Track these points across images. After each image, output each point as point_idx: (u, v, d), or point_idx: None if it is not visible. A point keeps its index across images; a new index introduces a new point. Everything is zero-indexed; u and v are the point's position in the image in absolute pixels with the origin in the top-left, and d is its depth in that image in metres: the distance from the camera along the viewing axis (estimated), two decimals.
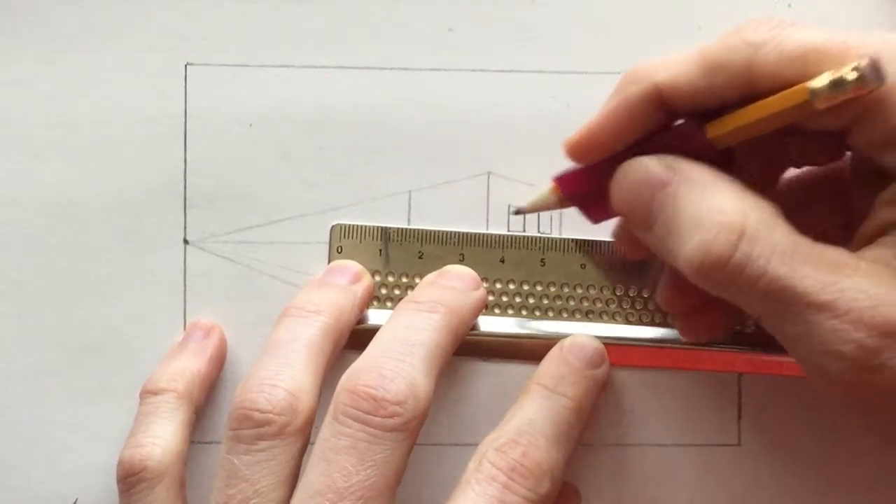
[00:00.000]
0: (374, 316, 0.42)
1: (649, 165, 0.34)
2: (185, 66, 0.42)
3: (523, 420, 0.37)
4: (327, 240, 0.42)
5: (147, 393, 0.39)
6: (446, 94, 0.42)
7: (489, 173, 0.42)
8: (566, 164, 0.40)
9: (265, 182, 0.42)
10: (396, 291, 0.42)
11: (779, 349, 0.40)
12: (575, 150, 0.36)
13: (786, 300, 0.31)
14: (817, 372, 0.32)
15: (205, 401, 0.41)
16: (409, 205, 0.42)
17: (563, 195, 0.38)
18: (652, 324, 0.41)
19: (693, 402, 0.42)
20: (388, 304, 0.42)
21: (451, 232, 0.42)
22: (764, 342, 0.41)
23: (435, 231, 0.42)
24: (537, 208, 0.40)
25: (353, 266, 0.41)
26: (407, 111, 0.42)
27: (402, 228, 0.42)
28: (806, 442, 0.42)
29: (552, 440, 0.37)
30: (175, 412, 0.39)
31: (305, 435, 0.36)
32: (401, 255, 0.42)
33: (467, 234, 0.42)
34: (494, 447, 0.36)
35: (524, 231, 0.42)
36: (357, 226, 0.42)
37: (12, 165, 0.42)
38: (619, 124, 0.35)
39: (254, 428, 0.36)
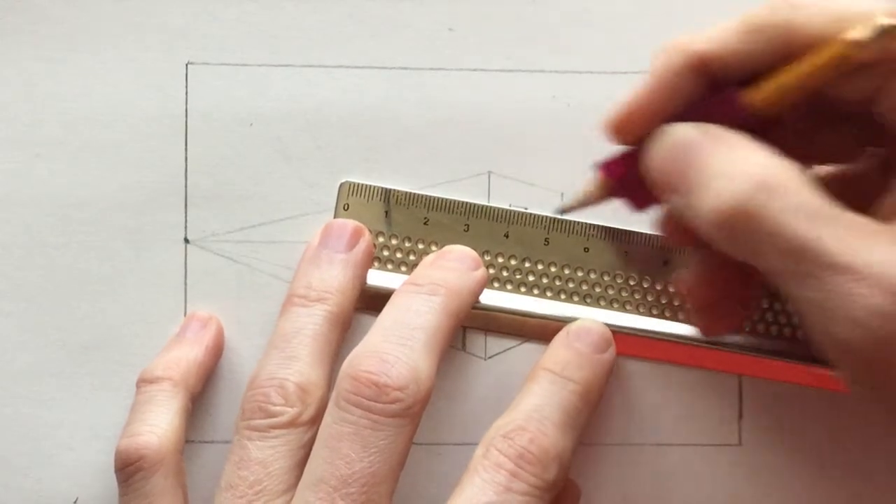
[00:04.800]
0: (375, 277, 0.41)
1: (685, 129, 0.34)
2: (186, 65, 0.42)
3: (530, 406, 0.37)
4: (367, 188, 0.42)
5: (143, 382, 0.39)
6: (446, 93, 0.42)
7: (489, 173, 0.42)
8: (566, 164, 0.40)
9: (265, 181, 0.42)
10: (399, 255, 0.42)
11: (780, 354, 0.40)
12: (616, 127, 0.36)
13: (806, 259, 0.31)
14: (831, 342, 0.31)
15: (201, 389, 0.41)
16: None
17: (608, 180, 0.37)
18: (651, 314, 0.42)
19: (694, 401, 0.42)
20: (389, 266, 0.42)
21: (457, 201, 0.42)
22: (766, 346, 0.41)
23: (442, 198, 0.42)
24: (581, 204, 0.39)
25: (349, 227, 0.41)
26: (407, 111, 0.42)
27: (408, 192, 0.42)
28: (806, 442, 0.42)
29: (560, 426, 0.37)
30: (171, 400, 0.39)
31: (317, 424, 0.37)
32: (406, 219, 0.42)
33: (474, 204, 0.42)
34: (501, 434, 0.36)
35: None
36: (365, 185, 0.42)
37: (12, 165, 0.42)
38: (658, 96, 0.35)
39: (267, 418, 0.37)
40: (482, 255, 0.41)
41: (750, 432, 0.42)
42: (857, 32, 0.31)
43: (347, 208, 0.42)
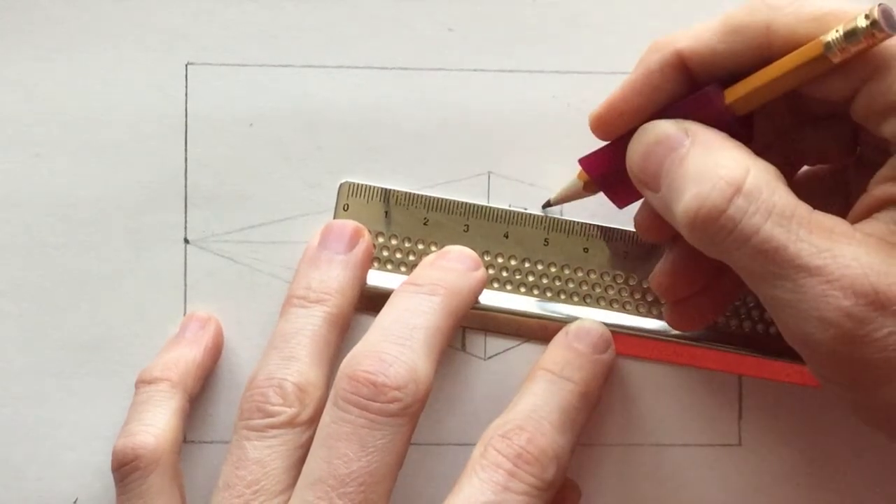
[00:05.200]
0: (375, 277, 0.41)
1: (665, 127, 0.34)
2: (186, 65, 0.42)
3: (528, 406, 0.37)
4: (367, 188, 0.42)
5: (141, 383, 0.40)
6: (446, 94, 0.42)
7: (489, 173, 0.42)
8: (566, 164, 0.40)
9: (265, 182, 0.42)
10: (398, 255, 0.42)
11: (780, 354, 0.40)
12: (599, 123, 0.36)
13: (777, 261, 0.31)
14: (803, 341, 0.32)
15: (200, 389, 0.41)
16: None
17: (590, 176, 0.38)
18: (651, 315, 0.41)
19: (694, 402, 0.42)
20: (389, 266, 0.42)
21: (457, 201, 0.42)
22: (765, 346, 0.41)
23: (442, 199, 0.42)
24: (565, 199, 0.40)
25: (348, 227, 0.41)
26: (407, 111, 0.42)
27: (408, 193, 0.42)
28: (806, 442, 0.42)
29: (558, 426, 0.37)
30: (168, 400, 0.39)
31: (315, 425, 0.37)
32: (406, 220, 0.42)
33: (474, 205, 0.42)
34: (500, 434, 0.36)
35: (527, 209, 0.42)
36: (365, 185, 0.42)
37: (12, 165, 0.42)
38: (641, 93, 0.35)
39: (265, 418, 0.37)
40: (482, 255, 0.41)
41: (750, 432, 0.42)
42: (832, 35, 0.31)
43: (347, 209, 0.42)
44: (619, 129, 0.36)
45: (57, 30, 0.42)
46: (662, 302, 0.41)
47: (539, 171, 0.42)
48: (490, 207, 0.42)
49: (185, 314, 0.42)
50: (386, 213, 0.42)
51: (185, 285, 0.42)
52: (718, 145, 0.33)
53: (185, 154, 0.42)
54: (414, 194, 0.42)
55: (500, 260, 0.42)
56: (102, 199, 0.42)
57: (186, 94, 0.42)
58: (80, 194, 0.42)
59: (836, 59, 0.32)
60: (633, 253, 0.41)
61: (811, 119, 0.37)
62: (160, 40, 0.42)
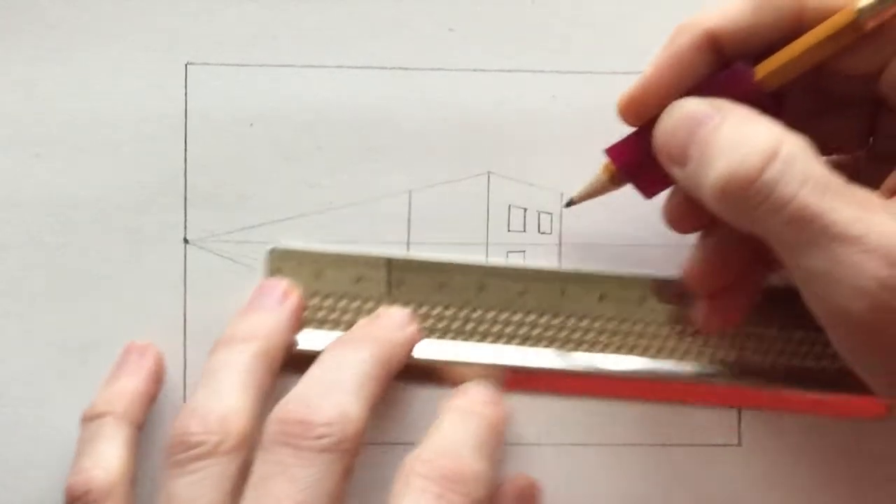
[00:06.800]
0: (308, 338, 0.41)
1: (694, 103, 0.34)
2: (186, 65, 0.42)
3: (443, 435, 0.37)
4: (297, 252, 0.42)
5: (86, 420, 0.39)
6: (446, 94, 0.42)
7: (489, 173, 0.42)
8: (566, 164, 0.40)
9: (265, 182, 0.42)
10: (333, 315, 0.41)
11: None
12: (628, 107, 0.36)
13: (813, 229, 0.31)
14: (835, 313, 0.32)
15: (145, 418, 0.40)
16: (410, 205, 0.42)
17: (616, 166, 0.37)
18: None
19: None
20: (325, 326, 0.41)
21: (378, 257, 0.42)
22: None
23: (362, 255, 0.41)
24: (590, 195, 0.39)
25: (279, 284, 0.41)
26: (407, 111, 0.42)
27: (337, 254, 0.41)
28: (806, 442, 0.42)
29: (475, 450, 0.37)
30: (115, 433, 0.38)
31: (241, 455, 0.36)
32: (338, 279, 0.41)
33: (397, 260, 0.42)
34: (420, 460, 0.36)
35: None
36: (295, 250, 0.41)
37: (12, 165, 0.42)
38: (670, 74, 0.35)
39: (188, 451, 0.36)
40: (416, 308, 0.41)
41: (750, 432, 0.42)
42: (863, 1, 0.32)
43: (279, 271, 0.41)
44: (647, 112, 0.36)
45: (57, 30, 0.42)
46: (695, 297, 0.40)
47: (539, 171, 0.42)
48: (415, 260, 0.41)
49: (184, 314, 0.42)
50: (317, 273, 0.41)
51: (185, 285, 0.42)
52: (751, 118, 0.33)
53: (185, 154, 0.42)
54: (343, 255, 0.41)
55: (435, 311, 0.41)
56: (102, 199, 0.42)
57: (186, 94, 0.42)
58: (80, 194, 0.42)
59: (870, 25, 0.32)
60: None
61: (831, 106, 0.37)
62: (160, 40, 0.42)
